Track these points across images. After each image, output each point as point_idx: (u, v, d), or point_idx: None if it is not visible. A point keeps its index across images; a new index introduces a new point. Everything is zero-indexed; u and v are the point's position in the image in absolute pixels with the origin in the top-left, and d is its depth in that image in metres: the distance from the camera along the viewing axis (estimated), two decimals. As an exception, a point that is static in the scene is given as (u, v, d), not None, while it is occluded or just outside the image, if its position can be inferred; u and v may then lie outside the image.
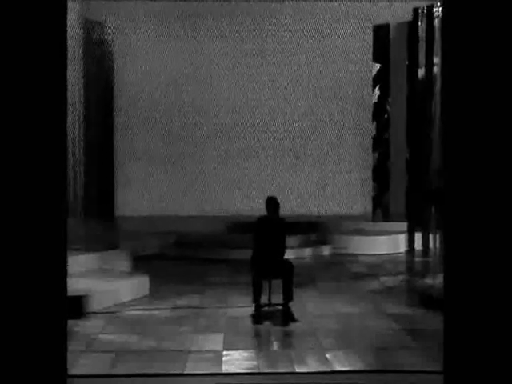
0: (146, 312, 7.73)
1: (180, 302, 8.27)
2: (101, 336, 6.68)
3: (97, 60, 13.90)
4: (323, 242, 12.99)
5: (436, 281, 8.45)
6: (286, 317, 7.24)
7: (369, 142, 14.61)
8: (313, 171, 15.05)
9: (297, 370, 5.56)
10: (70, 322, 5.47)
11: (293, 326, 7.05)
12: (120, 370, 5.59)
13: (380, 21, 14.30)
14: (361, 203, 15.04)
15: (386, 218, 14.34)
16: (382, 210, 14.55)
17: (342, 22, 14.66)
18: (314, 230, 13.41)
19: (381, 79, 14.37)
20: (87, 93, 13.46)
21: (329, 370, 5.57)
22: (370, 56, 14.46)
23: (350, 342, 6.44)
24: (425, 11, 12.60)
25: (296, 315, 7.27)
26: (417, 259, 12.04)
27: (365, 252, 12.49)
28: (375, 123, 14.49)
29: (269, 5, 14.46)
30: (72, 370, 5.23)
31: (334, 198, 15.08)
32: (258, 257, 7.45)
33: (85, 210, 13.02)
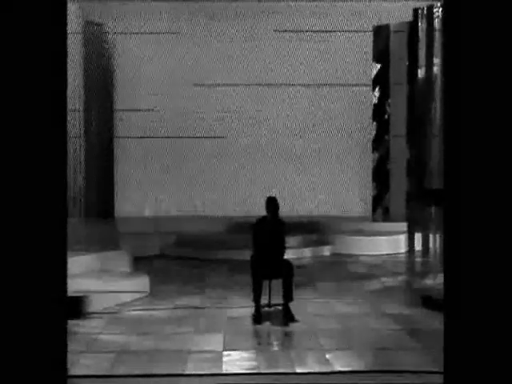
0: (146, 312, 7.73)
1: (180, 302, 8.27)
2: (101, 336, 6.68)
3: (97, 61, 13.91)
4: (323, 243, 12.99)
5: (436, 281, 8.45)
6: (286, 317, 7.24)
7: (369, 143, 14.61)
8: (313, 172, 15.06)
9: (297, 370, 5.56)
10: (70, 322, 5.48)
11: (293, 326, 7.05)
12: (120, 370, 5.59)
13: (380, 21, 14.31)
14: (361, 203, 15.05)
15: (386, 218, 14.34)
16: (382, 210, 14.55)
17: (342, 22, 14.67)
18: (314, 230, 13.41)
19: (381, 79, 14.37)
20: (88, 94, 13.49)
21: (329, 370, 5.57)
22: (370, 56, 14.46)
23: (350, 342, 6.44)
24: (425, 11, 12.61)
25: (296, 315, 7.27)
26: (417, 259, 12.03)
27: (365, 252, 12.49)
28: (375, 123, 14.49)
29: (269, 5, 14.46)
30: (72, 371, 5.24)
31: (334, 198, 15.09)
32: (258, 257, 7.45)
33: (85, 210, 13.03)
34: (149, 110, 14.41)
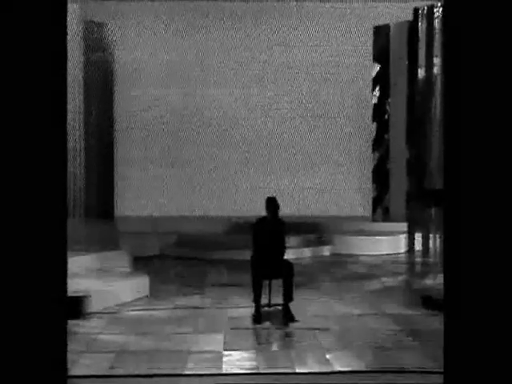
0: (146, 312, 7.73)
1: (180, 302, 8.27)
2: (101, 336, 6.68)
3: (97, 62, 13.92)
4: (324, 243, 12.99)
5: (436, 281, 8.46)
6: (286, 317, 7.24)
7: (369, 143, 14.62)
8: (313, 172, 15.06)
9: (297, 370, 5.56)
10: (70, 322, 5.48)
11: (293, 326, 7.05)
12: (120, 370, 5.59)
13: (380, 21, 14.31)
14: (361, 204, 15.05)
15: (386, 218, 14.35)
16: (382, 210, 14.56)
17: (343, 22, 14.67)
18: (315, 230, 13.41)
19: (381, 79, 14.37)
20: (88, 94, 13.48)
21: (329, 370, 5.56)
22: (370, 56, 14.47)
23: (350, 342, 6.43)
24: (425, 11, 12.61)
25: (296, 315, 7.27)
26: (417, 259, 12.05)
27: (365, 252, 12.49)
28: (375, 124, 14.49)
29: (270, 4, 14.46)
30: (72, 371, 5.24)
31: (335, 198, 15.09)
32: (258, 257, 7.45)
33: (85, 210, 13.04)
34: (150, 108, 14.42)
